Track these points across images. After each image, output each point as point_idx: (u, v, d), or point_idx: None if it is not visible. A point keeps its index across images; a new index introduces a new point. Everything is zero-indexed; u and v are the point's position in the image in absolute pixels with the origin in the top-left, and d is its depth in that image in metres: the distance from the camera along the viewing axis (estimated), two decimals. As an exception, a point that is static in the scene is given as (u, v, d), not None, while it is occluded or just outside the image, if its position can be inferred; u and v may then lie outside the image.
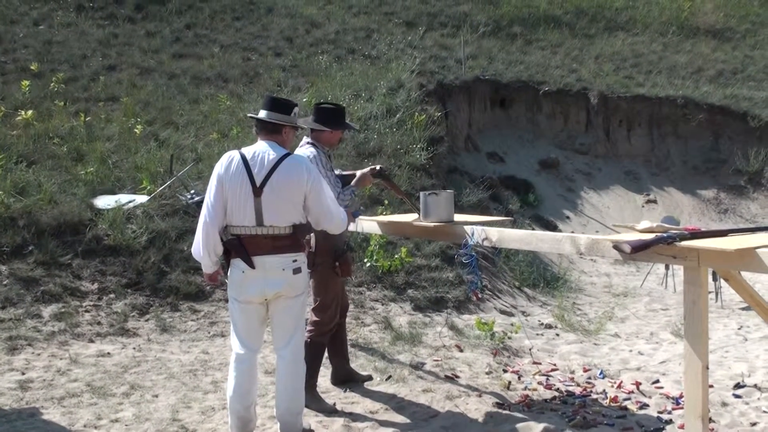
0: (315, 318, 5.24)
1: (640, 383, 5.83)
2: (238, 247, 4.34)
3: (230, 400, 4.45)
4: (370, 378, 5.80)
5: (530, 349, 6.83)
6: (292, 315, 4.48)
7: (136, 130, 10.36)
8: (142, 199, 8.52)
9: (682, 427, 4.74)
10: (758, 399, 5.49)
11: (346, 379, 5.70)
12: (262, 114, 4.52)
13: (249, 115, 5.03)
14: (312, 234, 4.71)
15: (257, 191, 4.31)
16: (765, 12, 19.57)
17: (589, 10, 18.49)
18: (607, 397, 5.52)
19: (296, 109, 4.61)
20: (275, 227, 4.34)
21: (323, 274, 5.20)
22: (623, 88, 15.18)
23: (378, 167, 5.51)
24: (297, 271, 4.41)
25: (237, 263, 4.38)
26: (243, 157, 4.38)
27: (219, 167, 4.41)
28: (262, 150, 4.42)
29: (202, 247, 4.42)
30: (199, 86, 12.77)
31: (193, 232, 7.58)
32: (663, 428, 4.94)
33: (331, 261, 5.18)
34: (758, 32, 18.68)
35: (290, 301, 4.44)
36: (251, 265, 4.32)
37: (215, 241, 4.38)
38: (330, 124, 5.25)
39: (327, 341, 5.43)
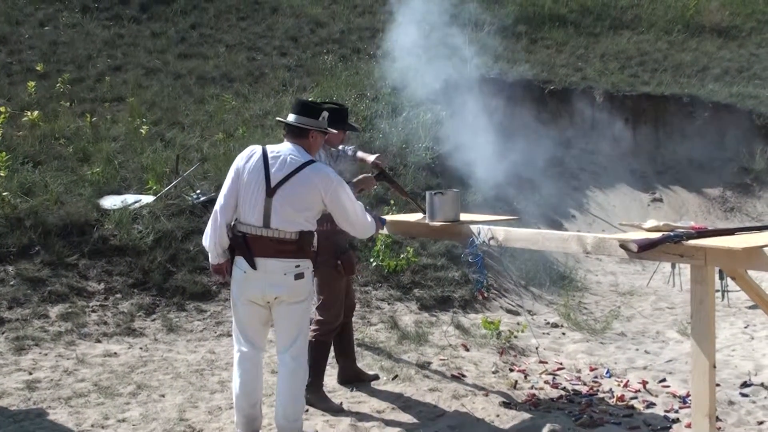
0: (319, 317, 5.25)
1: (647, 382, 5.83)
2: (243, 245, 4.31)
3: (236, 398, 4.45)
4: (376, 377, 5.81)
5: (536, 348, 6.83)
6: (294, 320, 4.43)
7: (141, 131, 10.36)
8: (148, 199, 8.53)
9: (689, 425, 4.73)
10: (765, 398, 5.49)
11: (353, 378, 5.71)
12: (291, 118, 4.49)
13: (278, 119, 5.00)
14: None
15: (270, 191, 4.28)
16: (771, 10, 19.49)
17: (594, 8, 18.40)
18: (613, 396, 5.52)
19: (325, 114, 4.56)
20: (281, 231, 4.28)
21: (325, 273, 5.21)
22: (628, 86, 15.11)
23: (376, 165, 5.54)
24: (299, 276, 4.33)
25: (239, 262, 4.36)
26: (264, 154, 4.35)
27: (239, 159, 4.40)
28: (285, 151, 4.38)
29: (210, 236, 4.41)
30: (204, 86, 12.76)
31: (199, 232, 7.63)
32: (670, 427, 4.94)
33: (334, 260, 5.19)
34: (764, 30, 18.57)
35: (292, 307, 4.39)
36: (253, 266, 4.29)
37: (222, 232, 4.36)
38: (332, 125, 5.26)
39: (332, 340, 5.44)
